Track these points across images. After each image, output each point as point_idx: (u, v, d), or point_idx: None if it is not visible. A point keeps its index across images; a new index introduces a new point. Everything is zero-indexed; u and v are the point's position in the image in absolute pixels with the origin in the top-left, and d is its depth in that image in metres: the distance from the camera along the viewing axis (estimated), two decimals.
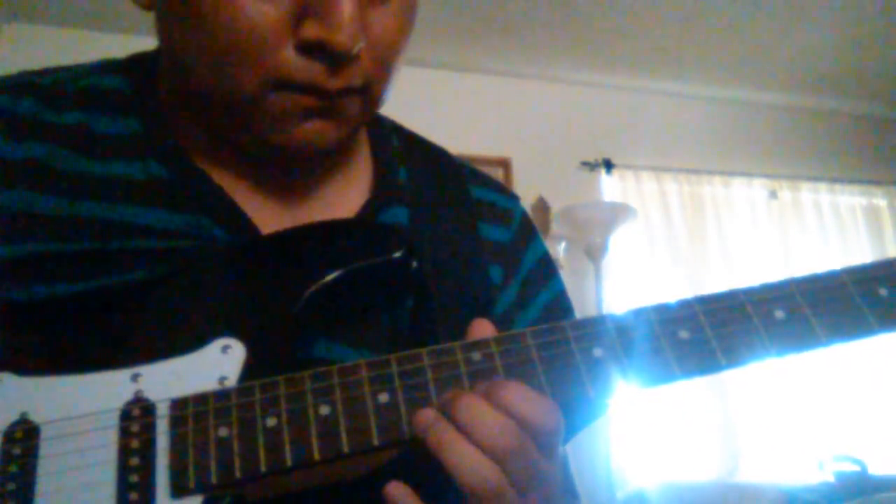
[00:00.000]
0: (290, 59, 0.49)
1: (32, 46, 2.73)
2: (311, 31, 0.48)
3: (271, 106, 0.51)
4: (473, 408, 0.44)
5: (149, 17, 0.56)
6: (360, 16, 0.48)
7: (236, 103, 0.51)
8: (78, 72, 0.61)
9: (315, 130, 0.53)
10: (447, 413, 0.45)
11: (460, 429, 0.44)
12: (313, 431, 0.45)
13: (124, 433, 0.46)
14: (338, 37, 0.47)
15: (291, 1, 0.48)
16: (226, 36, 0.48)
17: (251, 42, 0.48)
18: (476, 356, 0.48)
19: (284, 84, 0.50)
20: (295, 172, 0.60)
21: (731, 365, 0.47)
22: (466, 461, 0.43)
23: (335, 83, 0.50)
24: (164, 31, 0.54)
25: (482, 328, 0.50)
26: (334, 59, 0.49)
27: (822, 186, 3.80)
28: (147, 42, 0.59)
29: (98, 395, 0.47)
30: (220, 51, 0.49)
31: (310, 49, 0.49)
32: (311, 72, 0.49)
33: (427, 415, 0.45)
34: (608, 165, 3.41)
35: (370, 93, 0.54)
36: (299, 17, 0.48)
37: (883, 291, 0.49)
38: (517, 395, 0.45)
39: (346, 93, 0.52)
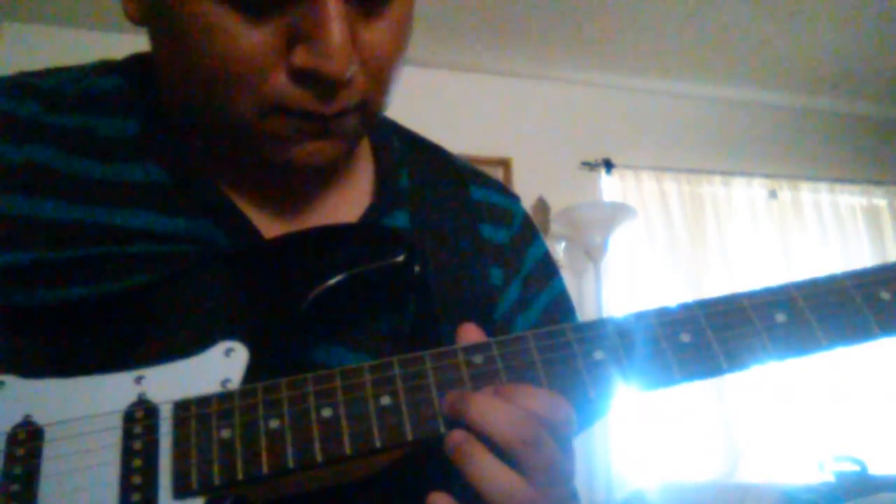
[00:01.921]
0: (283, 86, 0.48)
1: (32, 46, 2.73)
2: (301, 58, 0.47)
3: (267, 129, 0.50)
4: (485, 405, 0.45)
5: None
6: (350, 39, 0.47)
7: (232, 127, 0.51)
8: (77, 73, 0.60)
9: (313, 150, 0.52)
10: (459, 415, 0.45)
11: (474, 428, 0.44)
12: (315, 433, 0.45)
13: (127, 435, 0.46)
14: (328, 65, 0.46)
15: (281, 27, 0.46)
16: (217, 64, 0.47)
17: (243, 70, 0.47)
18: (478, 359, 0.48)
19: (279, 109, 0.49)
20: (296, 177, 0.60)
21: (733, 368, 0.47)
22: (487, 475, 0.44)
23: (330, 108, 0.49)
24: (157, 50, 0.54)
25: (469, 333, 0.50)
26: (326, 86, 0.48)
27: (822, 186, 3.79)
28: (147, 42, 0.58)
29: (101, 397, 0.47)
30: (213, 78, 0.48)
31: (302, 76, 0.48)
32: (304, 98, 0.49)
33: (460, 434, 0.45)
34: (608, 165, 3.41)
35: (368, 108, 0.53)
36: (290, 42, 0.47)
37: (885, 295, 0.49)
38: (525, 391, 0.46)
39: (343, 113, 0.51)
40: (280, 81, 0.48)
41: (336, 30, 0.46)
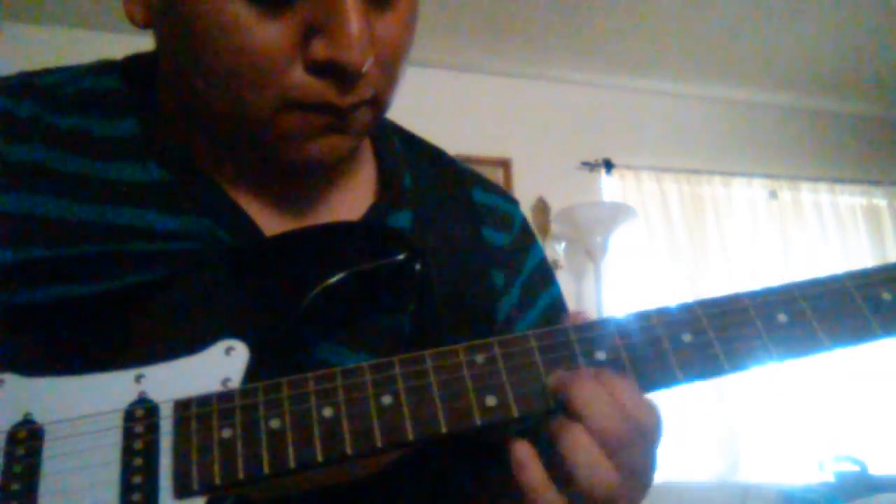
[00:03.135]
0: (301, 80, 0.48)
1: (32, 46, 2.73)
2: (320, 50, 0.47)
3: (283, 125, 0.50)
4: (591, 393, 0.44)
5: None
6: (368, 31, 0.47)
7: (247, 124, 0.51)
8: (76, 73, 0.60)
9: (328, 146, 0.52)
10: (563, 393, 0.45)
11: (577, 411, 0.44)
12: (316, 433, 0.45)
13: (128, 434, 0.46)
14: (348, 56, 0.46)
15: (298, 20, 0.46)
16: (232, 59, 0.47)
17: (259, 65, 0.47)
18: (479, 358, 0.48)
19: (296, 104, 0.49)
20: (299, 175, 0.60)
21: (734, 369, 0.47)
22: (584, 451, 0.44)
23: (347, 100, 0.49)
24: (165, 50, 0.53)
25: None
26: (345, 77, 0.48)
27: (822, 186, 3.80)
28: (148, 41, 0.58)
29: (101, 396, 0.47)
30: (228, 74, 0.48)
31: (320, 68, 0.48)
32: (322, 91, 0.48)
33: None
34: (608, 165, 3.41)
35: (379, 102, 0.53)
36: (307, 36, 0.47)
37: (886, 296, 0.48)
38: (631, 391, 0.45)
39: (357, 107, 0.51)
40: (297, 75, 0.48)
41: (355, 20, 0.46)
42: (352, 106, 0.50)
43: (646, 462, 0.46)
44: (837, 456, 2.78)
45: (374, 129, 0.58)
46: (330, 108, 0.50)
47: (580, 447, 0.44)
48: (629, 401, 0.45)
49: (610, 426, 0.44)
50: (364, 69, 0.48)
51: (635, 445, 0.45)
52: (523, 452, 0.45)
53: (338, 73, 0.48)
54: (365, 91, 0.50)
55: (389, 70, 0.52)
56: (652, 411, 0.46)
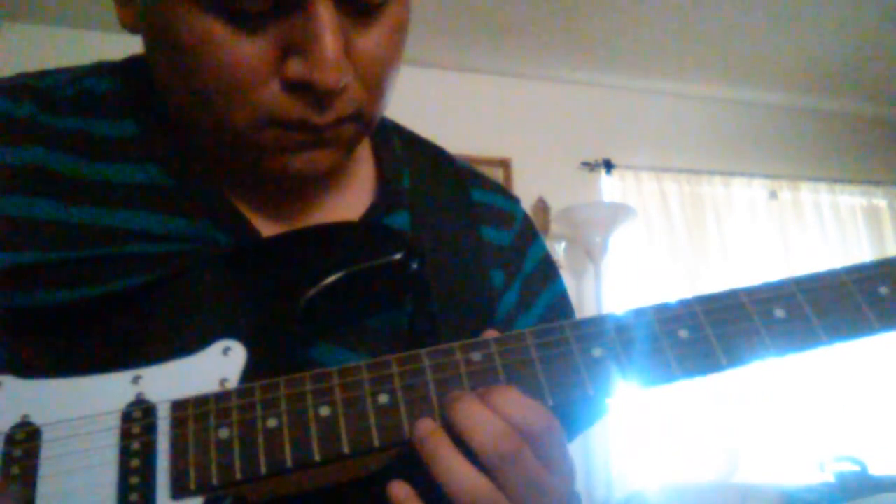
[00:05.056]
0: (277, 97, 0.48)
1: (32, 46, 2.73)
2: (294, 69, 0.46)
3: (262, 141, 0.50)
4: (471, 412, 0.44)
5: None
6: (344, 49, 0.47)
7: (227, 139, 0.51)
8: (75, 74, 0.60)
9: (309, 160, 0.52)
10: (445, 416, 0.45)
11: (457, 433, 0.44)
12: (314, 432, 0.45)
13: (125, 435, 0.46)
14: (322, 76, 0.46)
15: (274, 39, 0.46)
16: (211, 76, 0.47)
17: (235, 82, 0.47)
18: (476, 356, 0.48)
19: (274, 121, 0.49)
20: (296, 181, 0.60)
21: (732, 364, 0.47)
22: (456, 476, 0.43)
23: (325, 118, 0.49)
24: (151, 60, 0.53)
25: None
26: (321, 96, 0.48)
27: (822, 186, 3.80)
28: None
29: (99, 397, 0.47)
30: (207, 90, 0.48)
31: (295, 87, 0.47)
32: (299, 109, 0.48)
33: (425, 426, 0.45)
34: (608, 165, 3.42)
35: (364, 116, 0.52)
36: (284, 54, 0.47)
37: (883, 290, 0.48)
38: (512, 399, 0.45)
39: (338, 123, 0.51)
40: (274, 93, 0.48)
41: (329, 40, 0.45)
42: (331, 123, 0.50)
43: (540, 472, 0.45)
44: (837, 456, 2.78)
45: (361, 139, 0.57)
46: (308, 125, 0.49)
47: (450, 472, 0.43)
48: (513, 410, 0.44)
49: (489, 448, 0.43)
50: (339, 89, 0.47)
51: (523, 459, 0.44)
52: (401, 491, 0.45)
53: (313, 93, 0.47)
54: (345, 108, 0.50)
55: (373, 85, 0.51)
56: (542, 416, 0.45)
